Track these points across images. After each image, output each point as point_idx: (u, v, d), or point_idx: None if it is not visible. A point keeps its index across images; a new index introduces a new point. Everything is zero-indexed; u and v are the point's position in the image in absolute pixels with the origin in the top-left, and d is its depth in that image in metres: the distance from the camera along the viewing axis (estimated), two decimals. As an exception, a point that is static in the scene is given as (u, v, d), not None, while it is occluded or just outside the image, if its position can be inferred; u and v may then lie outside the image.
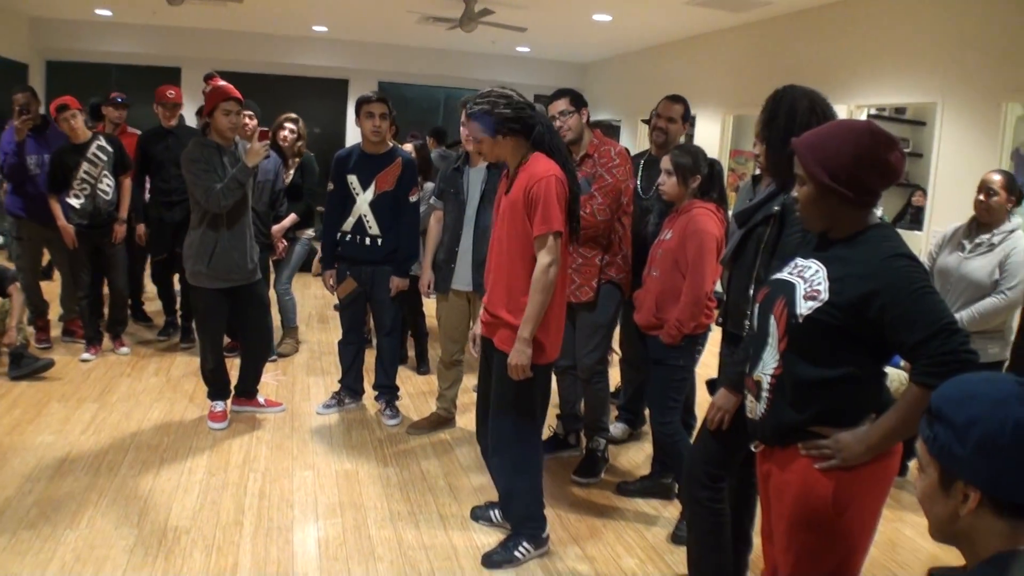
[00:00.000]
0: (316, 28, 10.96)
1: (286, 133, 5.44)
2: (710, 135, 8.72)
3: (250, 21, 10.25)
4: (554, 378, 3.44)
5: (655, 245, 3.40)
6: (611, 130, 11.85)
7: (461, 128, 3.86)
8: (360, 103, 4.26)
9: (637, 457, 4.21)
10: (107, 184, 5.15)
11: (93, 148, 5.10)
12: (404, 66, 12.22)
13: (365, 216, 4.30)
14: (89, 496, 3.42)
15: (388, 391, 4.57)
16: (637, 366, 4.31)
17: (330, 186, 4.38)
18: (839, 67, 6.84)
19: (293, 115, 5.60)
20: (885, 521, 3.49)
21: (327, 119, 12.18)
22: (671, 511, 3.56)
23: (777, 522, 1.97)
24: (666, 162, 3.33)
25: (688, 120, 4.02)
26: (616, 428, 4.40)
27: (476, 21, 8.24)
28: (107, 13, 10.35)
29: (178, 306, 5.92)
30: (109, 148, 5.17)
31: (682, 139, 4.03)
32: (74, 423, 4.24)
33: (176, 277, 5.79)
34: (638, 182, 3.97)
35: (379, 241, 4.31)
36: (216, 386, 4.34)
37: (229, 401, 4.43)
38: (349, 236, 4.34)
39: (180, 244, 5.15)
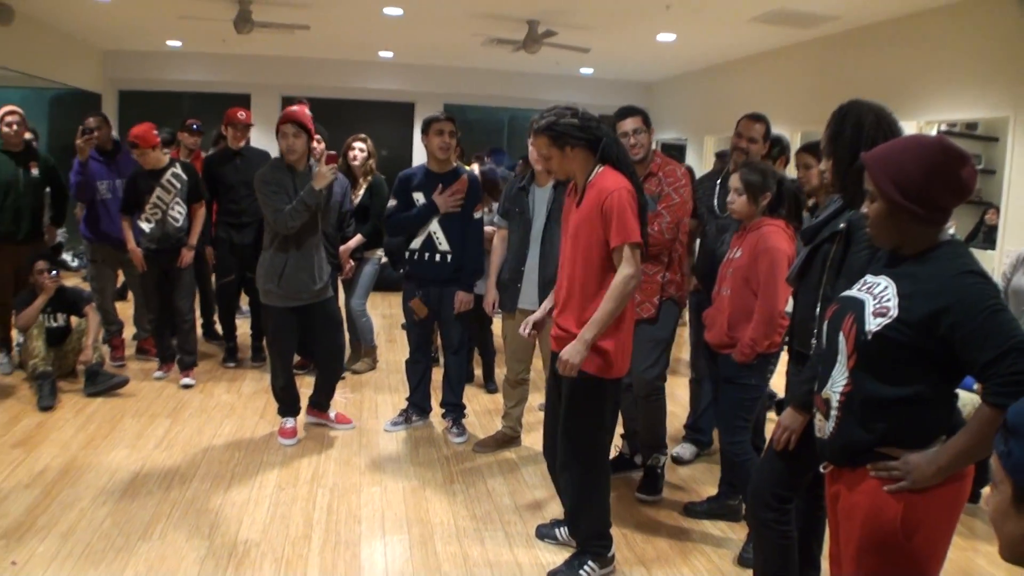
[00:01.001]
0: (382, 54, 11.20)
1: (356, 152, 5.53)
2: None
3: (318, 47, 10.52)
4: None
5: (725, 264, 3.38)
6: (674, 150, 11.82)
7: (529, 147, 3.87)
8: (429, 122, 4.33)
9: (705, 477, 4.16)
10: (178, 211, 5.22)
11: (168, 175, 5.18)
12: (469, 88, 12.39)
13: (435, 233, 4.37)
14: (161, 509, 3.55)
15: (455, 409, 4.62)
16: (704, 385, 4.29)
17: (392, 202, 4.44)
18: (908, 82, 6.71)
19: (362, 136, 5.71)
20: (957, 549, 3.38)
21: (394, 142, 12.42)
22: (739, 533, 3.51)
23: (845, 545, 1.94)
24: (735, 180, 3.30)
25: (769, 139, 3.99)
26: (684, 448, 4.37)
27: (540, 43, 8.32)
28: (177, 44, 10.78)
29: (250, 327, 6.03)
30: (184, 176, 5.25)
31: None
32: (147, 438, 4.39)
33: (247, 300, 5.96)
34: (715, 200, 3.96)
35: (448, 257, 4.38)
36: (286, 403, 4.45)
37: (299, 418, 4.54)
38: (418, 254, 4.41)
39: (249, 266, 5.30)
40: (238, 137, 5.66)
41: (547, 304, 3.26)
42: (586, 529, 3.10)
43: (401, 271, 4.59)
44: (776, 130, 8.49)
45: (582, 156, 2.88)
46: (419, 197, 4.37)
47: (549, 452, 3.22)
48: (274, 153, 4.41)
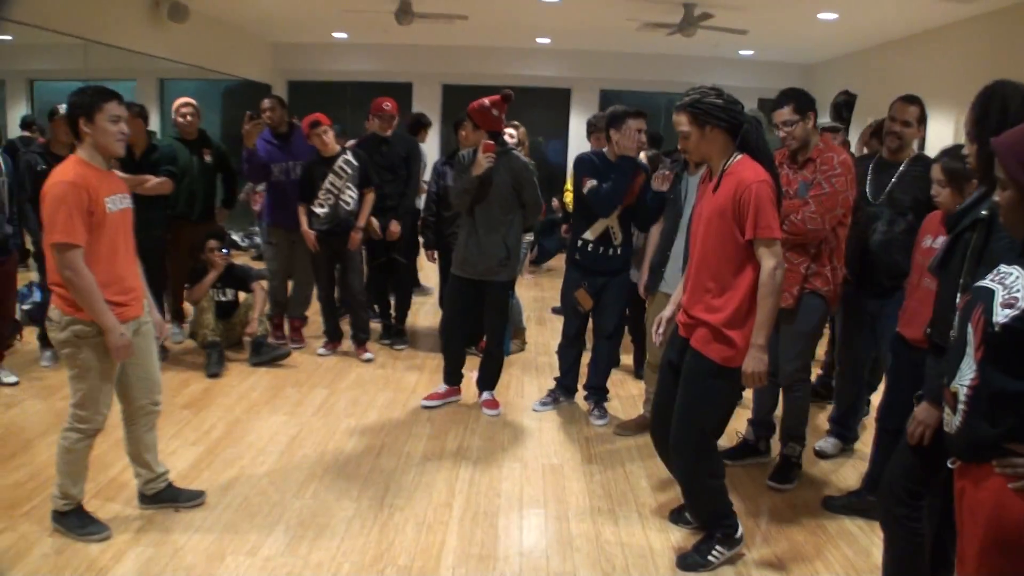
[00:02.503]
0: (539, 40, 11.36)
1: (505, 138, 5.69)
2: (943, 136, 8.09)
3: (477, 36, 10.80)
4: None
5: (921, 252, 3.18)
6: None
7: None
8: (624, 117, 4.28)
9: (846, 473, 4.06)
10: (350, 195, 5.45)
11: (340, 162, 5.44)
12: (625, 73, 12.33)
13: (612, 228, 4.43)
14: (315, 471, 3.85)
15: (598, 392, 4.71)
16: (854, 379, 4.17)
17: (592, 183, 4.29)
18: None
19: (514, 122, 5.84)
20: None
21: (550, 128, 12.57)
22: (878, 530, 3.41)
23: (968, 543, 1.89)
24: (937, 172, 3.08)
25: (923, 122, 3.81)
26: (827, 443, 4.27)
27: (696, 25, 8.21)
28: (343, 35, 11.38)
29: (392, 310, 6.25)
30: (355, 163, 5.48)
31: (915, 143, 3.85)
32: (306, 406, 4.76)
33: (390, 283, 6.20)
34: (867, 188, 3.82)
35: (619, 251, 4.46)
36: (445, 368, 4.90)
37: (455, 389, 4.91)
38: (592, 246, 4.43)
39: (397, 250, 5.57)
40: (384, 127, 5.87)
41: (676, 297, 3.26)
42: (707, 512, 3.12)
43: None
44: (944, 112, 8.00)
45: (721, 140, 2.87)
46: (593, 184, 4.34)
47: (659, 436, 3.19)
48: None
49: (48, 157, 5.04)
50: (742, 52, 11.34)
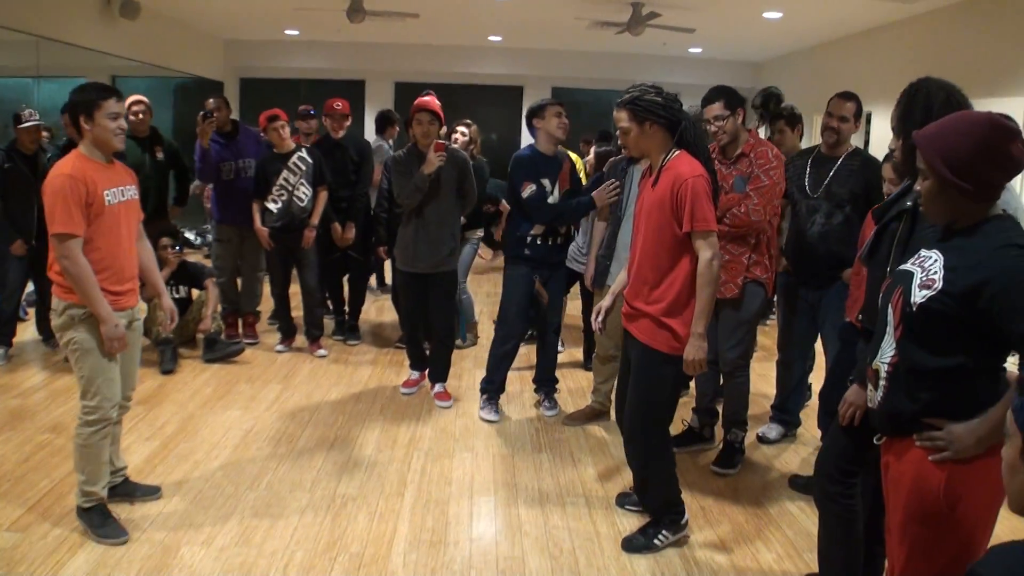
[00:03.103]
0: (492, 38, 11.42)
1: (457, 136, 5.73)
2: (888, 133, 8.34)
3: (429, 34, 10.83)
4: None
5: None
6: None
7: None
8: (544, 105, 4.37)
9: (789, 457, 4.19)
10: (303, 192, 5.43)
11: (294, 158, 5.43)
12: (577, 71, 12.47)
13: None
14: (268, 464, 3.88)
15: (548, 384, 4.79)
16: (792, 367, 4.30)
17: (532, 187, 4.29)
18: (1015, 58, 6.38)
19: (466, 120, 5.90)
20: (1007, 519, 3.30)
21: (503, 126, 12.63)
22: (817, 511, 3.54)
23: (893, 514, 1.99)
24: (888, 171, 3.20)
25: (860, 118, 3.95)
26: (770, 429, 4.40)
27: (644, 24, 8.35)
28: (295, 32, 11.33)
29: (347, 304, 6.24)
30: (309, 160, 5.47)
31: (853, 138, 3.98)
32: (259, 401, 4.77)
33: (345, 279, 6.19)
34: (806, 180, 3.94)
35: (561, 240, 4.54)
36: (410, 357, 5.09)
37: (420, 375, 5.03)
38: (540, 239, 4.43)
39: (351, 247, 5.61)
40: (336, 127, 5.82)
41: (615, 289, 3.35)
42: (655, 498, 3.22)
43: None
44: (887, 109, 8.22)
45: (660, 136, 2.97)
46: (547, 183, 4.35)
47: (623, 422, 3.30)
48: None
49: (13, 155, 5.16)
50: (691, 50, 11.53)
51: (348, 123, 5.92)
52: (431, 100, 4.61)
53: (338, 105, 5.82)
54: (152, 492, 3.46)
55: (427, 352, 5.03)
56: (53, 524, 3.19)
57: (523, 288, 4.50)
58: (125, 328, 3.09)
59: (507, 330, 4.60)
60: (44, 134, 5.44)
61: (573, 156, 4.91)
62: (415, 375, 5.07)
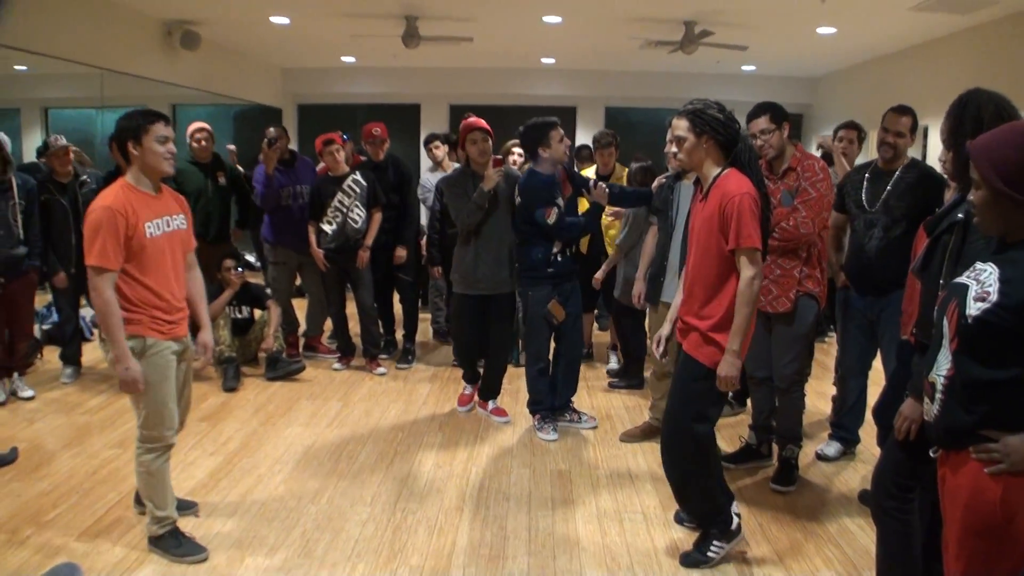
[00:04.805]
0: (544, 60, 11.52)
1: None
2: (948, 145, 8.20)
3: (482, 57, 10.97)
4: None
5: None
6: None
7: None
8: (546, 132, 4.37)
9: (848, 475, 4.14)
10: (357, 214, 5.56)
11: (349, 181, 5.58)
12: (629, 91, 12.49)
13: None
14: (330, 479, 3.98)
15: (564, 405, 4.83)
16: (850, 383, 4.26)
17: (555, 213, 4.37)
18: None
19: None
20: None
21: (559, 146, 12.68)
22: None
23: (950, 528, 1.98)
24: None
25: (915, 132, 3.93)
26: (830, 447, 4.35)
27: (696, 43, 8.35)
28: (351, 59, 11.57)
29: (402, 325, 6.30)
30: (363, 182, 5.60)
31: (910, 152, 3.96)
32: (320, 418, 4.90)
33: (397, 299, 6.28)
34: (863, 195, 3.93)
35: (574, 251, 4.65)
36: (465, 375, 5.17)
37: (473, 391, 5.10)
38: (560, 255, 4.51)
39: (400, 268, 5.75)
40: (376, 151, 5.89)
41: (672, 313, 3.36)
42: (699, 508, 3.22)
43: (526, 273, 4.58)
44: (939, 123, 8.06)
45: (714, 152, 2.99)
46: (559, 202, 4.45)
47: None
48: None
49: (49, 184, 5.25)
50: (745, 67, 11.48)
51: (387, 146, 5.96)
52: (478, 119, 4.74)
53: (376, 131, 5.86)
54: (190, 507, 3.53)
55: (480, 369, 5.11)
56: (120, 535, 3.33)
57: (542, 308, 4.56)
58: (176, 356, 3.13)
59: (536, 349, 4.67)
60: (72, 153, 5.48)
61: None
62: (468, 389, 5.14)
